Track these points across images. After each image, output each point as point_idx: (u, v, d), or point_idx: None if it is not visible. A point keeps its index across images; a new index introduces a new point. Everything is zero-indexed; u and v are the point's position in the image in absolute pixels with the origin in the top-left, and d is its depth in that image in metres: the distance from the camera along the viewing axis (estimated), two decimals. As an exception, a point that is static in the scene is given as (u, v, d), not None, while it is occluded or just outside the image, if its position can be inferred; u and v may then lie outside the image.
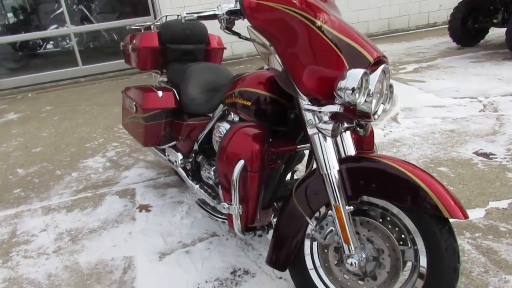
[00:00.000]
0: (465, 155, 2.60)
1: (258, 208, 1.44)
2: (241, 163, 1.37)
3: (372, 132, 1.65)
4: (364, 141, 1.62)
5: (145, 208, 2.39)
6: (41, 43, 8.18)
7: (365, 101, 1.19)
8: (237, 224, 1.45)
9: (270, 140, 1.46)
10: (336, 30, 1.21)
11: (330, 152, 1.26)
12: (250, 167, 1.36)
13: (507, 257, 1.67)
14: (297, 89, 1.24)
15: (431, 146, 2.79)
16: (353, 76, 1.12)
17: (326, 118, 1.23)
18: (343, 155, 1.38)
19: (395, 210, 1.23)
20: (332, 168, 1.25)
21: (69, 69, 6.54)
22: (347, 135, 1.40)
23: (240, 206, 1.42)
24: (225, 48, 2.67)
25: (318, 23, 1.19)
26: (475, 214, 1.97)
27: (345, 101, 1.15)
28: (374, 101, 1.23)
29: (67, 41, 7.92)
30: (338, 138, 1.40)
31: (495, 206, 2.02)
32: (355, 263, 1.23)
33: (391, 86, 1.36)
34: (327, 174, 1.25)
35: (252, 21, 1.27)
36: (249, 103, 1.49)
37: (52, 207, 2.54)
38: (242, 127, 1.43)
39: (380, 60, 1.24)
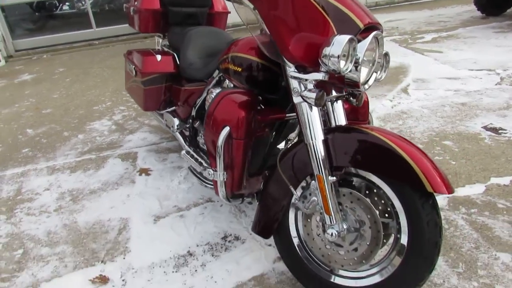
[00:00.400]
0: (473, 130, 2.51)
1: (244, 175, 1.43)
2: (226, 129, 1.35)
3: (366, 102, 1.61)
4: (359, 112, 1.59)
5: (145, 171, 2.42)
6: (57, 4, 8.16)
7: (354, 69, 1.14)
8: (221, 190, 1.46)
9: (259, 107, 1.43)
10: None
11: (315, 121, 1.23)
12: (235, 134, 1.35)
13: (501, 234, 1.64)
14: (282, 55, 1.20)
15: (439, 119, 2.71)
16: (339, 42, 1.07)
17: (310, 86, 1.19)
18: (333, 124, 1.35)
19: (380, 182, 1.21)
20: (317, 138, 1.22)
21: (83, 31, 6.54)
22: (338, 105, 1.36)
23: (225, 173, 1.42)
24: (229, 12, 2.60)
25: None
26: (475, 190, 1.93)
27: (330, 69, 1.10)
28: (363, 70, 1.19)
29: (83, 2, 7.87)
30: (330, 107, 1.36)
31: (496, 182, 1.97)
32: (335, 233, 1.22)
33: (386, 54, 1.31)
34: (311, 144, 1.23)
35: None
36: (239, 69, 1.45)
37: (57, 167, 2.60)
38: (229, 93, 1.41)
39: (373, 27, 1.18)
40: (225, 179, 1.43)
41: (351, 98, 1.39)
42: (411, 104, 2.99)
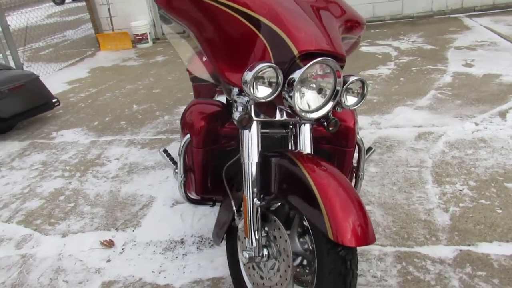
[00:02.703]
0: (560, 177, 2.02)
1: (204, 181, 1.51)
2: (187, 137, 1.45)
3: (351, 127, 1.49)
4: (342, 137, 1.49)
5: (192, 158, 2.67)
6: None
7: (288, 96, 1.12)
8: (180, 191, 1.57)
9: (226, 119, 1.48)
10: (262, 15, 1.14)
11: (252, 143, 1.23)
12: (194, 142, 1.43)
13: (498, 309, 1.36)
14: (220, 77, 1.23)
15: (522, 156, 2.24)
16: (252, 68, 1.06)
17: (240, 108, 1.20)
18: (298, 148, 1.32)
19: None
20: (251, 159, 1.23)
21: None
22: (305, 128, 1.31)
23: (184, 175, 1.52)
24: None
25: (239, 7, 1.14)
26: (501, 250, 1.60)
27: (246, 93, 1.10)
28: (297, 97, 1.14)
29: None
30: (297, 130, 1.33)
31: (538, 248, 1.59)
32: (247, 256, 1.22)
33: (363, 82, 1.22)
34: (244, 164, 1.24)
35: (167, 7, 1.25)
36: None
37: (134, 141, 3.06)
38: (198, 103, 1.49)
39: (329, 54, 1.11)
40: (183, 182, 1.54)
41: (325, 123, 1.33)
42: (499, 131, 2.52)
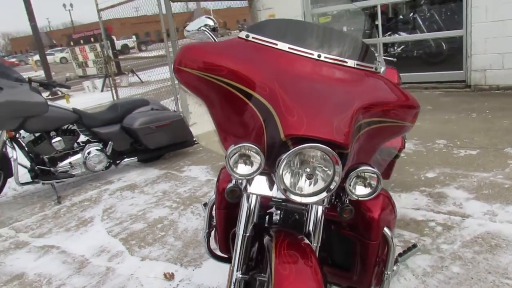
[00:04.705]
0: None
1: (226, 240, 1.56)
2: (213, 197, 1.55)
3: (376, 220, 1.35)
4: (365, 228, 1.37)
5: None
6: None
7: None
8: (204, 246, 1.66)
9: None
10: (262, 96, 1.18)
11: (242, 215, 1.26)
12: (217, 203, 1.52)
13: None
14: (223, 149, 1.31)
15: None
16: (235, 145, 1.12)
17: (234, 180, 1.25)
18: (307, 229, 1.29)
19: None
20: (239, 230, 1.26)
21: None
22: (313, 210, 1.28)
23: (207, 232, 1.63)
24: (399, 84, 2.46)
25: (244, 88, 1.21)
26: None
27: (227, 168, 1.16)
28: (283, 179, 1.13)
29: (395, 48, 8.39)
30: (310, 211, 1.31)
31: None
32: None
33: (376, 174, 1.15)
34: (237, 234, 1.28)
35: (181, 81, 1.34)
36: None
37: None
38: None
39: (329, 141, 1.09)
40: (206, 237, 1.63)
41: (338, 209, 1.27)
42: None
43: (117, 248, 2.52)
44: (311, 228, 1.26)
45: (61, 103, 5.42)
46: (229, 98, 1.25)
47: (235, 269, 1.24)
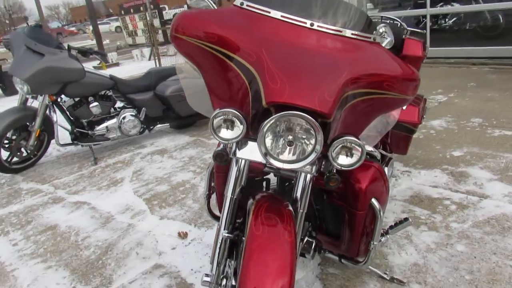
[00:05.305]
0: None
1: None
2: (212, 162, 1.63)
3: (363, 191, 1.37)
4: (353, 198, 1.40)
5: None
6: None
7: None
8: (205, 207, 1.76)
9: None
10: (249, 63, 1.21)
11: (231, 178, 1.33)
12: (215, 167, 1.60)
13: None
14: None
15: None
16: (214, 114, 1.17)
17: (222, 144, 1.31)
18: (295, 195, 1.35)
19: None
20: (227, 193, 1.33)
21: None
22: (301, 177, 1.32)
23: (207, 194, 1.72)
24: (424, 57, 2.36)
25: (232, 55, 1.24)
26: None
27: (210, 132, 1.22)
28: (264, 144, 1.18)
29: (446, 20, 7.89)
30: (298, 177, 1.36)
31: None
32: (203, 280, 1.32)
33: (360, 146, 1.17)
34: (224, 197, 1.35)
35: (177, 48, 1.38)
36: None
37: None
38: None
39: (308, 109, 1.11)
40: (207, 199, 1.72)
41: (325, 177, 1.31)
42: None
43: (140, 207, 2.71)
44: (298, 194, 1.30)
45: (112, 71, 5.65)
46: (220, 65, 1.29)
47: (222, 228, 1.32)
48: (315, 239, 1.56)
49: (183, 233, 2.32)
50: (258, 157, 1.29)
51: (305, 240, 1.54)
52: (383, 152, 2.24)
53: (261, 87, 1.15)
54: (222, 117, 1.18)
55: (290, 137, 1.16)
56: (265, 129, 1.12)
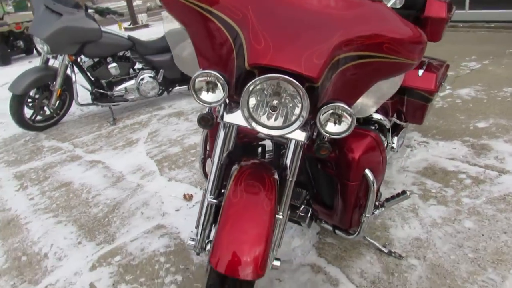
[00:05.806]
0: None
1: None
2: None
3: (356, 161, 1.30)
4: (345, 168, 1.34)
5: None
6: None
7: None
8: (199, 168, 1.74)
9: None
10: (235, 21, 1.14)
11: (218, 142, 1.29)
12: (209, 132, 1.57)
13: None
14: None
15: None
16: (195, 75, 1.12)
17: (208, 108, 1.26)
18: (285, 163, 1.31)
19: None
20: (214, 158, 1.30)
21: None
22: (291, 144, 1.27)
23: (202, 157, 1.69)
24: (448, 19, 2.17)
25: (219, 13, 1.17)
26: None
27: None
28: (248, 108, 1.13)
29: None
30: (289, 144, 1.31)
31: None
32: (188, 244, 1.32)
33: (349, 113, 1.10)
34: (212, 161, 1.32)
35: (165, 7, 1.35)
36: None
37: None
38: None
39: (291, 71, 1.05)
40: (201, 161, 1.70)
41: (316, 145, 1.25)
42: None
43: (151, 168, 2.74)
44: (288, 162, 1.25)
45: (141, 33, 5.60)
46: (206, 24, 1.23)
47: (207, 194, 1.29)
48: (312, 208, 1.52)
49: (189, 196, 2.33)
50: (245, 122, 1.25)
51: (301, 208, 1.51)
52: (397, 121, 2.12)
53: (245, 48, 1.09)
54: (204, 78, 1.12)
55: (275, 102, 1.10)
56: (247, 93, 1.06)
